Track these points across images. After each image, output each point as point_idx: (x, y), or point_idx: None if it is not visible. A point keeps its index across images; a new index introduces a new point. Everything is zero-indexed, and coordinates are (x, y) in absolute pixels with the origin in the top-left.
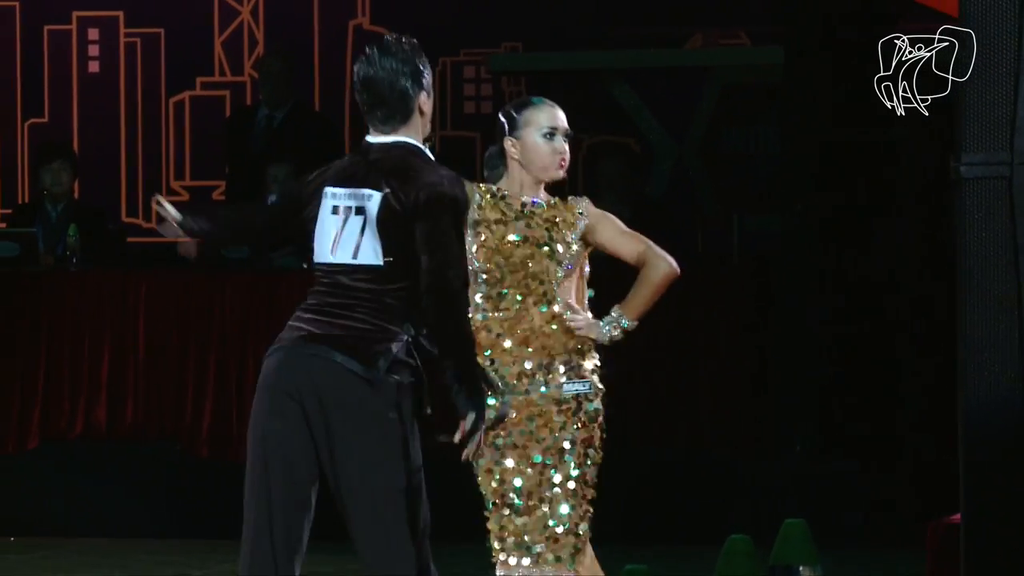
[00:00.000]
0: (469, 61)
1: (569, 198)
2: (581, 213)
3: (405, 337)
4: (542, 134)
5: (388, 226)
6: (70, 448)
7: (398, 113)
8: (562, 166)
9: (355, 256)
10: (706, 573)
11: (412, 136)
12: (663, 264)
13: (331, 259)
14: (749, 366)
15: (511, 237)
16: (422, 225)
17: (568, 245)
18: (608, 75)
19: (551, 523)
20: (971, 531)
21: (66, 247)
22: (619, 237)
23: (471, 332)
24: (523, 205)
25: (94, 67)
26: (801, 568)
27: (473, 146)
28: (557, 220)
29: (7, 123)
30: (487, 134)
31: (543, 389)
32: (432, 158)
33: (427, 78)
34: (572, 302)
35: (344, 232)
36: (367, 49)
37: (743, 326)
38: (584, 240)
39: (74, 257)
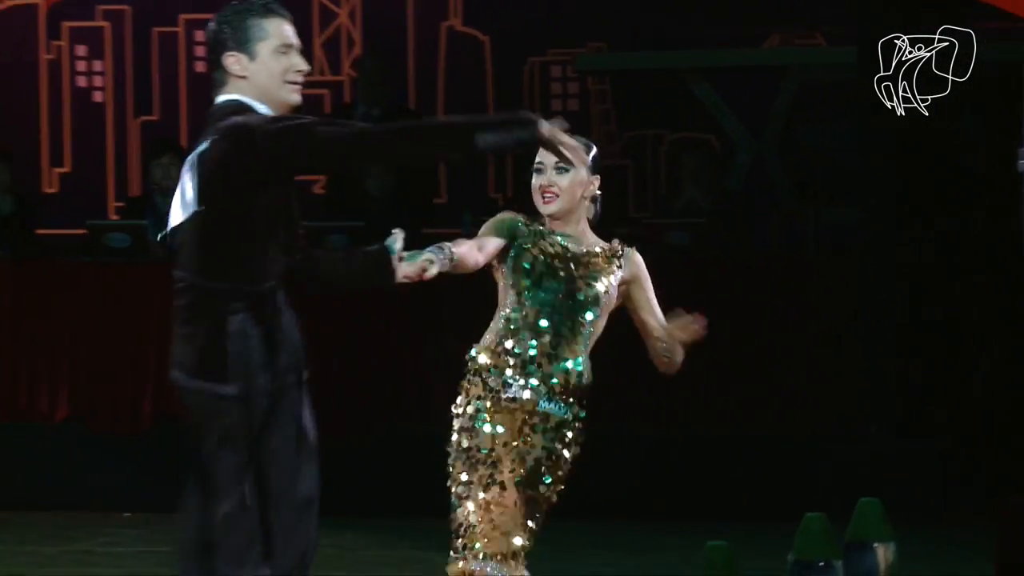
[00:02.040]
0: (556, 61)
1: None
2: (619, 266)
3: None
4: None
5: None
6: (178, 430)
7: (214, 73)
8: (546, 201)
9: (181, 211)
10: (784, 550)
11: (238, 93)
12: (679, 360)
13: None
14: (826, 352)
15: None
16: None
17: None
18: (689, 74)
19: None
20: None
21: None
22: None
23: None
24: (564, 248)
25: (200, 67)
26: (876, 545)
27: None
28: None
29: (120, 121)
30: (572, 131)
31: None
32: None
33: (237, 37)
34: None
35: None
36: None
37: (820, 314)
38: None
39: None
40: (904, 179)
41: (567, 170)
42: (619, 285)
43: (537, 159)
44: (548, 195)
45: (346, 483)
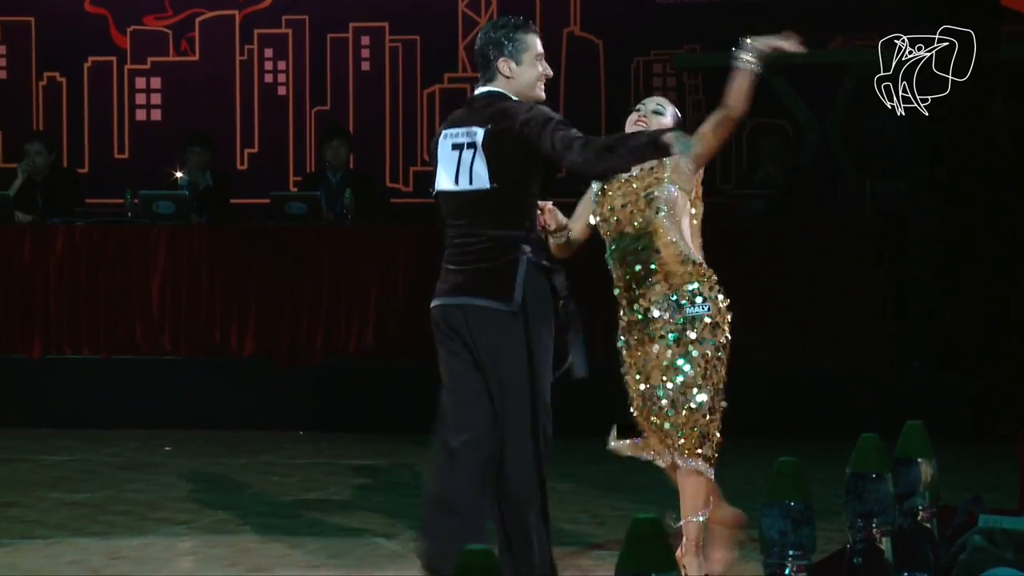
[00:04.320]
0: (657, 60)
1: None
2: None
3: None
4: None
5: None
6: (347, 363)
7: (484, 71)
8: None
9: (471, 182)
10: (843, 463)
11: (500, 87)
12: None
13: (453, 187)
14: (879, 300)
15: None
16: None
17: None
18: (768, 69)
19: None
20: None
21: (343, 207)
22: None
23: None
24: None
25: (365, 66)
26: (919, 460)
27: None
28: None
29: (298, 111)
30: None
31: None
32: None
33: (510, 47)
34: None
35: (460, 162)
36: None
37: (874, 269)
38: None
39: (349, 214)
40: (945, 156)
41: (662, 113)
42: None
43: (636, 104)
44: (641, 123)
45: None
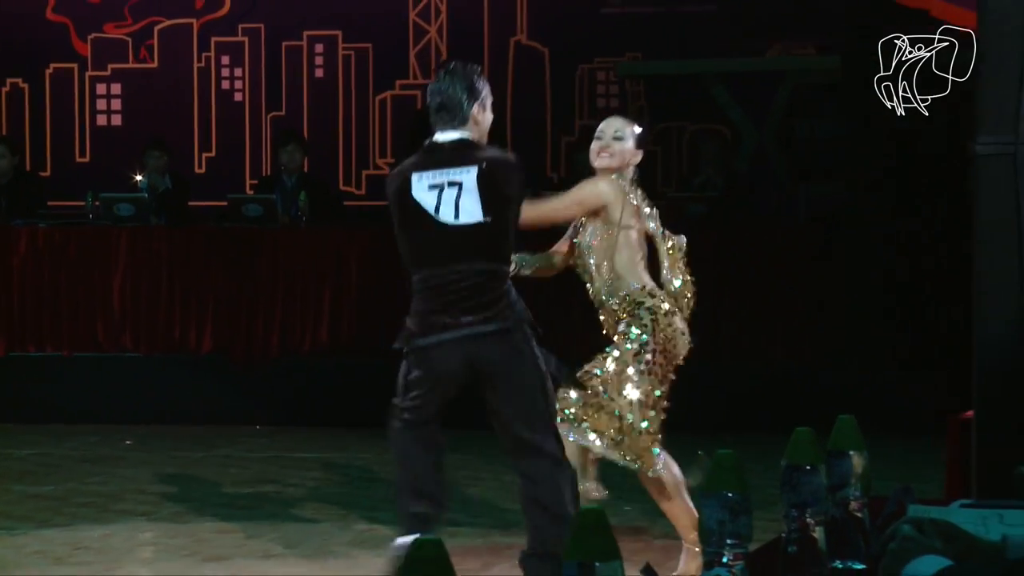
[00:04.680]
0: (600, 67)
1: None
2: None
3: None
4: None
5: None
6: (302, 360)
7: (452, 116)
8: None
9: (456, 217)
10: (778, 456)
11: (469, 133)
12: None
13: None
14: (812, 299)
15: None
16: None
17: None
18: (707, 78)
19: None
20: (981, 423)
21: (298, 209)
22: None
23: None
24: None
25: (319, 73)
26: (852, 453)
27: None
28: None
29: (254, 116)
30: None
31: None
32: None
33: (482, 93)
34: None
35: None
36: (439, 71)
37: (808, 270)
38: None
39: (303, 217)
40: (875, 161)
41: (622, 139)
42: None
43: (598, 129)
44: (604, 154)
45: None
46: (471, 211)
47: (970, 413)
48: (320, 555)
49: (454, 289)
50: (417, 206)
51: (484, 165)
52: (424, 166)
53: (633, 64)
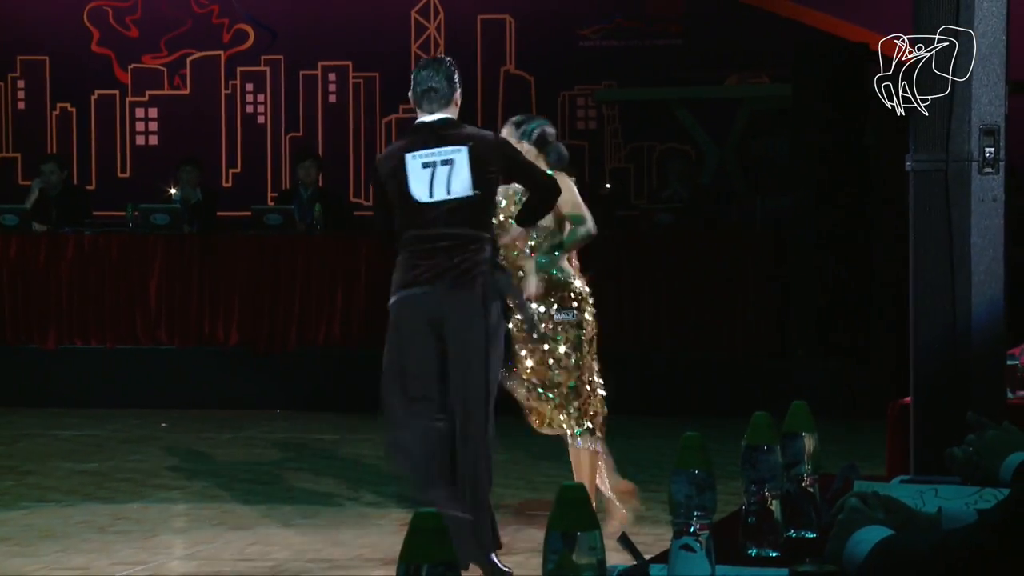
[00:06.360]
0: (580, 94)
1: None
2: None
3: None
4: None
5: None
6: (317, 351)
7: (441, 100)
8: None
9: (448, 192)
10: (739, 437)
11: (452, 114)
12: None
13: (427, 199)
14: (767, 298)
15: None
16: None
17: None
18: (674, 103)
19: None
20: (918, 409)
21: (313, 219)
22: None
23: None
24: None
25: (332, 98)
26: (804, 434)
27: (583, 152)
28: None
29: (275, 136)
30: (591, 143)
31: None
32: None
33: (459, 81)
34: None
35: (435, 177)
36: (423, 63)
37: (763, 272)
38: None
39: (318, 225)
40: (824, 176)
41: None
42: None
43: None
44: None
45: None
46: (463, 186)
47: (908, 400)
48: (333, 525)
49: (432, 250)
50: (412, 183)
51: (472, 145)
52: (415, 146)
53: (609, 91)
